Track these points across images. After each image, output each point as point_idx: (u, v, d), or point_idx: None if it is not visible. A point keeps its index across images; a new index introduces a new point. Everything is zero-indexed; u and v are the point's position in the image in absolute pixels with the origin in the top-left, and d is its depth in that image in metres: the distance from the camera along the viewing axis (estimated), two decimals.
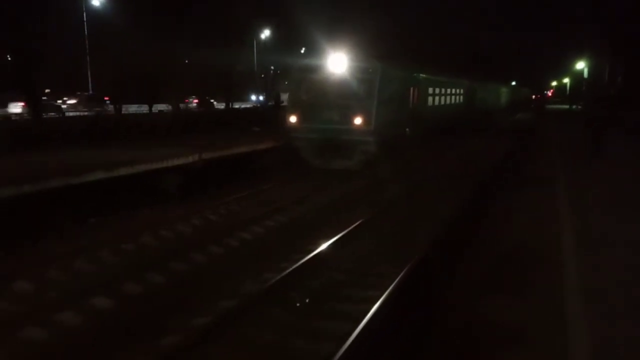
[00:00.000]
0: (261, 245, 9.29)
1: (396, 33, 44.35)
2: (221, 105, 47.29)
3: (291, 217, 11.09)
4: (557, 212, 9.92)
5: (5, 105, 34.25)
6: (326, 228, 9.94)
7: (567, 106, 62.91)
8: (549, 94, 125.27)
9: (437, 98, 23.74)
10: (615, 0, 41.89)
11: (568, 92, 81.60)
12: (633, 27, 37.38)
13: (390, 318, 6.00)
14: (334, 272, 7.87)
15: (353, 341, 5.34)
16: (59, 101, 37.73)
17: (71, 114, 34.31)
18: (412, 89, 19.19)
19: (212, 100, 49.36)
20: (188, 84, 38.10)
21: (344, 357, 5.08)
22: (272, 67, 57.16)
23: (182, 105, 39.31)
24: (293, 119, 15.95)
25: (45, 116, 27.48)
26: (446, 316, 6.03)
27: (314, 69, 16.13)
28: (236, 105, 47.03)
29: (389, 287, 6.50)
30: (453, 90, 27.63)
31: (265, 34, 53.49)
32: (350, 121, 15.14)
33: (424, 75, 21.30)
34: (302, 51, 36.91)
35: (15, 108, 33.07)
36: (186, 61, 38.40)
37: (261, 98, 57.28)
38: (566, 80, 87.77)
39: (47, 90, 41.25)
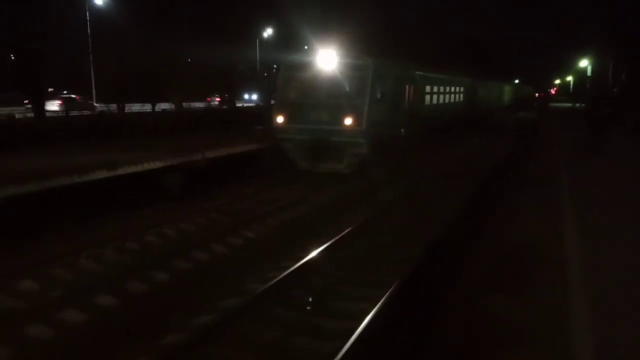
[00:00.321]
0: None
1: (394, 30, 43.68)
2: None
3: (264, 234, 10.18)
4: (557, 213, 9.91)
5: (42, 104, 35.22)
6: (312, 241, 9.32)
7: (570, 104, 62.72)
8: (552, 92, 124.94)
9: (435, 96, 22.98)
10: None
11: (571, 90, 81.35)
12: (634, 27, 37.24)
13: (390, 318, 6.01)
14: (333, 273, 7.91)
15: (354, 340, 5.38)
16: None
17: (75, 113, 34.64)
18: (408, 87, 18.44)
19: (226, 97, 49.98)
20: (190, 83, 38.08)
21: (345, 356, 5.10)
22: (275, 66, 57.13)
23: (185, 104, 39.33)
24: (280, 119, 15.16)
25: (76, 114, 28.29)
26: (446, 316, 6.04)
27: (303, 66, 15.36)
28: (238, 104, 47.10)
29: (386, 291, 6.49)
30: (453, 89, 26.89)
31: (268, 32, 53.44)
32: (341, 121, 14.34)
33: (421, 73, 20.62)
34: (305, 49, 36.66)
35: (53, 106, 34.86)
36: (189, 60, 38.41)
37: (254, 97, 57.26)
38: (569, 78, 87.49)
39: (50, 89, 41.33)
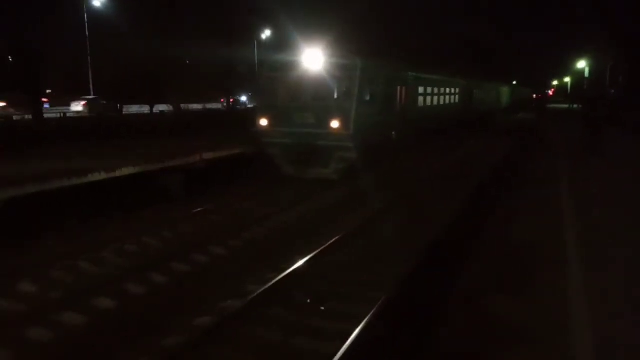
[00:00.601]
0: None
1: (386, 29, 42.63)
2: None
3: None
4: (557, 213, 9.94)
5: (68, 104, 37.36)
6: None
7: (567, 105, 62.91)
8: (550, 93, 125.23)
9: (429, 98, 22.23)
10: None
11: (569, 91, 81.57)
12: (634, 27, 37.34)
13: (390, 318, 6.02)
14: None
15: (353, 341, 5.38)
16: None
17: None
18: (399, 88, 17.64)
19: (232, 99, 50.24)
20: (188, 85, 38.10)
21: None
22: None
23: (183, 106, 39.39)
24: (264, 122, 14.39)
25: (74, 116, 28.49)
26: (446, 316, 6.04)
27: (286, 66, 14.54)
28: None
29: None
30: (448, 90, 26.21)
31: (266, 33, 53.50)
32: (327, 124, 13.60)
33: (414, 74, 19.90)
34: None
35: (78, 107, 36.24)
36: (187, 62, 38.44)
37: (244, 98, 57.23)
38: (567, 79, 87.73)
39: (48, 91, 41.35)
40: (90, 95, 38.47)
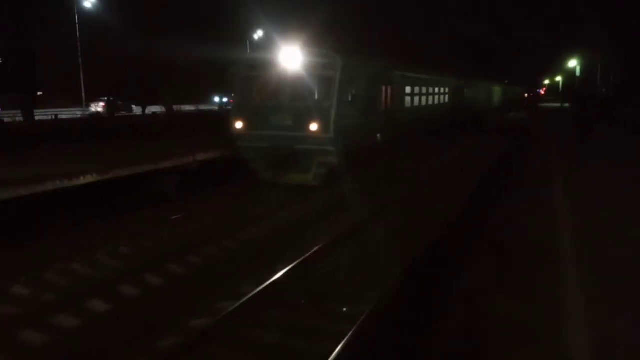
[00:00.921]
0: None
1: (370, 26, 41.37)
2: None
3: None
4: (552, 212, 9.97)
5: (88, 105, 38.90)
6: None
7: (559, 104, 63.27)
8: (542, 92, 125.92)
9: (417, 98, 21.49)
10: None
11: (560, 90, 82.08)
12: (632, 27, 37.65)
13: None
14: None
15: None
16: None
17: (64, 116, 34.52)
18: (385, 88, 16.87)
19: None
20: (180, 86, 37.91)
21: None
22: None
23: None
24: (239, 124, 13.64)
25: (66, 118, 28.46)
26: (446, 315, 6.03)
27: (262, 65, 13.75)
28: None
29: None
30: (437, 90, 25.57)
31: (259, 34, 53.33)
32: (305, 127, 12.86)
33: (401, 73, 19.18)
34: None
35: (97, 107, 37.91)
36: (178, 63, 38.23)
37: (225, 100, 56.95)
38: (559, 78, 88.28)
39: (39, 93, 41.04)
40: (96, 97, 39.77)
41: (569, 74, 63.31)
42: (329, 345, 5.57)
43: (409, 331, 5.74)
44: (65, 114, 36.48)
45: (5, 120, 26.90)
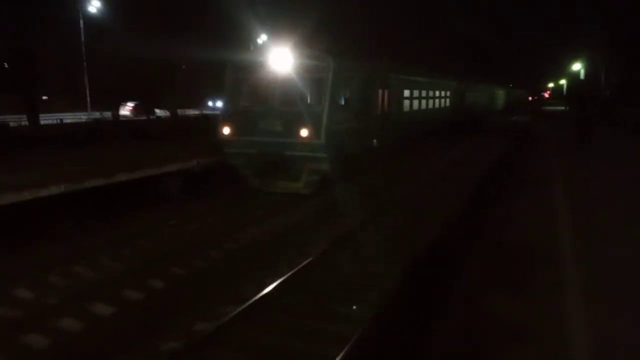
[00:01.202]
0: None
1: (369, 27, 40.57)
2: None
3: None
4: (552, 212, 9.98)
5: (117, 109, 39.06)
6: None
7: (563, 107, 63.20)
8: (546, 95, 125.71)
9: (416, 102, 20.68)
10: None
11: (565, 93, 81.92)
12: (632, 27, 37.61)
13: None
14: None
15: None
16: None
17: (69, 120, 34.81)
18: (381, 91, 16.20)
19: None
20: (184, 90, 38.11)
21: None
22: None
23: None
24: (227, 130, 12.98)
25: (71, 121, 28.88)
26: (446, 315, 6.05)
27: (252, 68, 13.12)
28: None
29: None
30: (437, 93, 24.78)
31: (262, 38, 53.49)
32: (296, 132, 12.20)
33: (399, 75, 18.54)
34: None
35: (126, 111, 39.30)
36: (183, 67, 38.43)
37: (219, 104, 56.92)
38: (563, 81, 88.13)
39: (44, 98, 41.29)
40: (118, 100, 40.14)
41: (573, 77, 63.21)
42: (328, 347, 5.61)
43: (409, 331, 5.76)
44: (70, 117, 36.82)
45: (11, 124, 27.13)
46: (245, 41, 45.97)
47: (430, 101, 23.58)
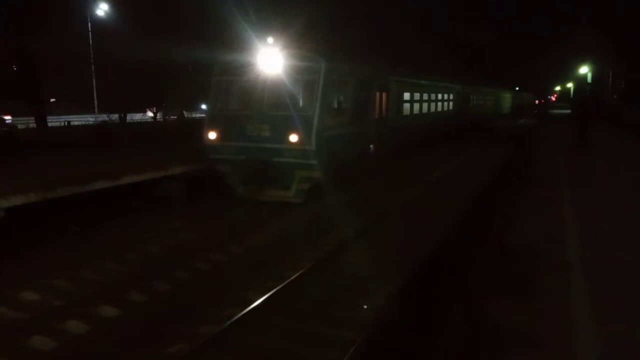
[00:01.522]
0: None
1: (368, 27, 39.61)
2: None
3: None
4: (557, 212, 9.96)
5: (145, 112, 39.50)
6: None
7: (569, 111, 62.95)
8: (553, 98, 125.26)
9: (416, 105, 19.99)
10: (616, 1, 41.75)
11: (572, 96, 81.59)
12: (633, 28, 37.47)
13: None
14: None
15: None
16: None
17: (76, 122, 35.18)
18: (378, 94, 15.49)
19: None
20: (191, 92, 38.21)
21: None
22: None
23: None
24: (212, 134, 12.35)
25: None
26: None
27: (239, 69, 12.42)
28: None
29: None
30: (439, 96, 24.08)
31: (269, 40, 53.51)
32: (285, 138, 11.55)
33: (398, 77, 17.78)
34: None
35: (150, 113, 38.73)
36: (190, 69, 38.54)
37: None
38: (570, 85, 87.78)
39: (52, 100, 41.61)
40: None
41: (581, 81, 62.93)
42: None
43: (412, 336, 5.76)
44: (77, 120, 37.10)
45: (19, 127, 27.35)
46: (247, 41, 45.71)
47: (432, 104, 22.96)
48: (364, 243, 9.41)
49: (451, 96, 27.03)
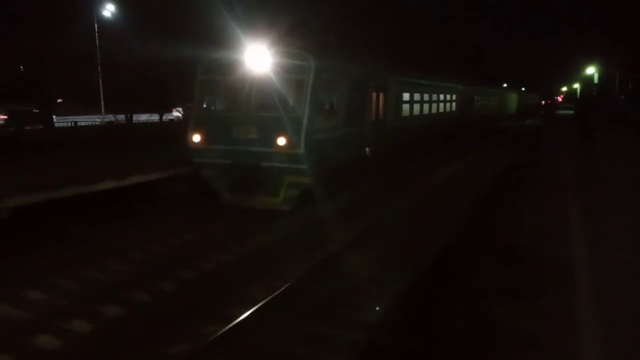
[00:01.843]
0: None
1: (365, 25, 38.56)
2: None
3: None
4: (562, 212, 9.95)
5: (170, 111, 40.46)
6: None
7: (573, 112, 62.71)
8: (559, 99, 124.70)
9: (416, 106, 19.31)
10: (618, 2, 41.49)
11: (578, 97, 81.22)
12: (633, 27, 37.29)
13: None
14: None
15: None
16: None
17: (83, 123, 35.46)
18: (376, 94, 14.83)
19: None
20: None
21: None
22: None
23: None
24: (196, 137, 11.73)
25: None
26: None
27: (225, 68, 11.83)
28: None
29: None
30: (441, 97, 23.41)
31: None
32: (273, 141, 10.88)
33: (397, 77, 17.12)
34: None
35: (177, 113, 39.36)
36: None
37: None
38: (576, 85, 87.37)
39: (59, 100, 41.85)
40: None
41: (587, 81, 62.63)
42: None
43: (415, 338, 5.77)
44: (84, 120, 37.34)
45: (26, 128, 27.55)
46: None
47: (434, 105, 22.32)
48: (355, 260, 8.60)
49: (454, 97, 26.51)
